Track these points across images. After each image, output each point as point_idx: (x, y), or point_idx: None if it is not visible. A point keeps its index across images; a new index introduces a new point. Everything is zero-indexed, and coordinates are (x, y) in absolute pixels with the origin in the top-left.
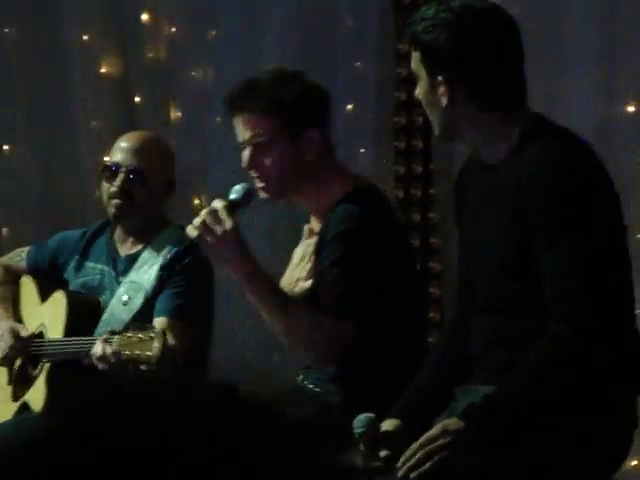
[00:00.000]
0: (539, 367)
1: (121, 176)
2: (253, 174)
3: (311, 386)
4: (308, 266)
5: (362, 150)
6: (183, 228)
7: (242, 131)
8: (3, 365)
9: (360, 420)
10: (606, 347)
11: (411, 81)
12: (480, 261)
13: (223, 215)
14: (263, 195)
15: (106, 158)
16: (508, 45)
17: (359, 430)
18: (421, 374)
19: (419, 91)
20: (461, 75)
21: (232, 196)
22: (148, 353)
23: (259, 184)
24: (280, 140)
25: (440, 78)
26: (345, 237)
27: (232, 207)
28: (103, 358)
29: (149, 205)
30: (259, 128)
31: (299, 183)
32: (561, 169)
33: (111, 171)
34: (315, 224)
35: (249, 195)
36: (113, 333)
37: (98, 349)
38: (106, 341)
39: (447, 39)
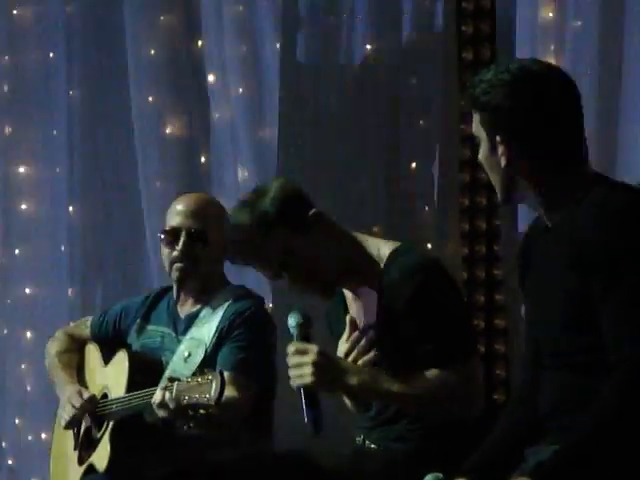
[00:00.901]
0: (601, 417)
1: (183, 239)
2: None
3: (373, 446)
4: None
5: (427, 208)
6: (242, 288)
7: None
8: (70, 427)
9: None
10: None
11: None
12: (544, 319)
13: (302, 346)
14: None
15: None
16: (566, 106)
17: None
18: (492, 434)
19: (480, 153)
20: (519, 135)
21: (293, 323)
22: (207, 396)
23: (313, 293)
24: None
25: (499, 138)
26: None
27: (303, 334)
28: (163, 404)
29: (210, 265)
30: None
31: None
32: (617, 216)
33: (172, 235)
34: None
35: (305, 315)
36: (172, 380)
37: (158, 396)
38: (165, 388)
39: (504, 99)
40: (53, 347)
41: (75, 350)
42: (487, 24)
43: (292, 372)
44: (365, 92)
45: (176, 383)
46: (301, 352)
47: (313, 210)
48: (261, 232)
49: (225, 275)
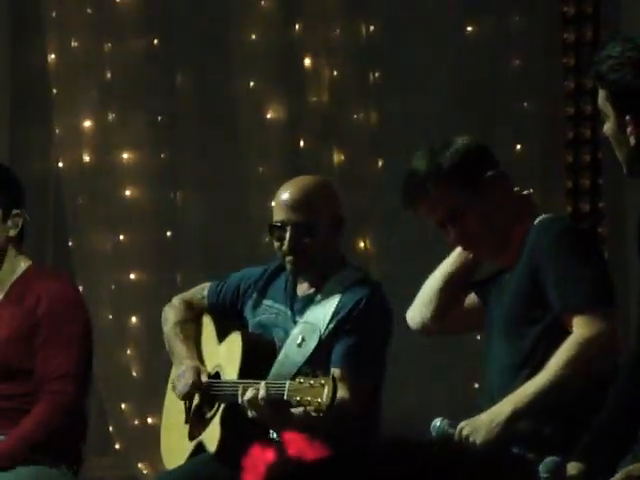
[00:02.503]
0: None
1: (290, 234)
2: (464, 248)
3: None
4: None
5: (531, 190)
6: (359, 269)
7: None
8: (183, 400)
9: (546, 464)
10: None
11: (578, 118)
12: None
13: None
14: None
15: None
16: None
17: (545, 475)
18: (605, 412)
19: (607, 129)
20: None
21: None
22: (319, 400)
23: (474, 254)
24: (472, 202)
25: (628, 117)
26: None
27: None
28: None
29: (322, 251)
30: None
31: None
32: None
33: (279, 230)
34: None
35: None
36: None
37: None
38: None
39: (635, 77)
40: (172, 315)
41: (193, 319)
42: (589, 4)
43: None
44: (465, 73)
45: (288, 383)
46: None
47: (491, 172)
48: (432, 183)
49: (344, 256)
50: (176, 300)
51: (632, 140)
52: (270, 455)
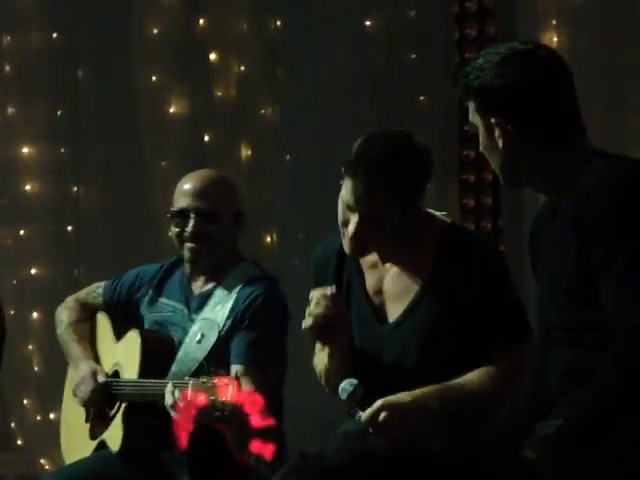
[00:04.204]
0: (602, 389)
1: (193, 220)
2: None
3: None
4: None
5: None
6: (256, 264)
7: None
8: (84, 406)
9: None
10: None
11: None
12: (552, 295)
13: (370, 412)
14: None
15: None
16: (556, 80)
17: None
18: (505, 411)
19: (480, 141)
20: (512, 114)
21: (351, 389)
22: (223, 399)
23: (354, 256)
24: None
25: (493, 121)
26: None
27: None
28: (198, 409)
29: (223, 242)
30: None
31: None
32: (615, 186)
33: (181, 217)
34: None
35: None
36: (204, 382)
37: (192, 400)
38: (198, 390)
39: (494, 79)
40: (65, 316)
41: (87, 319)
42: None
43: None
44: (365, 67)
45: (191, 382)
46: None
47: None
48: (381, 177)
49: (239, 251)
50: (69, 300)
51: (500, 143)
52: (201, 399)
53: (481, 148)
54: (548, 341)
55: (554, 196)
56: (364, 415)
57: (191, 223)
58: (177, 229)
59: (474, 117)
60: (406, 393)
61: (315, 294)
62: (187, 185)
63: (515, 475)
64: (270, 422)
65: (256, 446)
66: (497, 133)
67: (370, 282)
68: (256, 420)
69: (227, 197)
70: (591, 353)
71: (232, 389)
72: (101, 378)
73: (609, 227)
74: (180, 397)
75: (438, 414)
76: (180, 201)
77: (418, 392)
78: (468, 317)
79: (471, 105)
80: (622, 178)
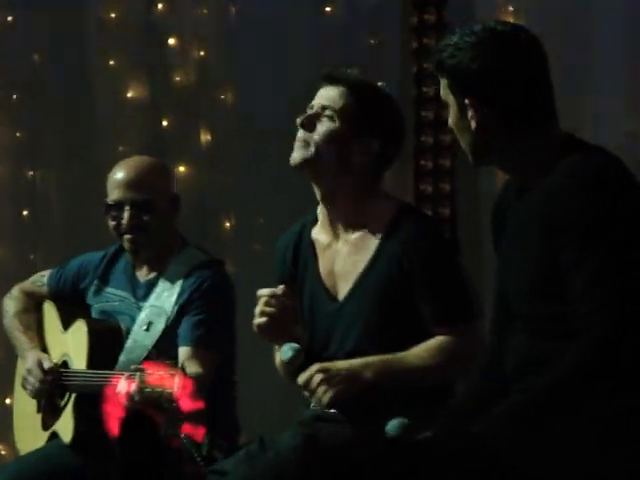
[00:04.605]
0: (556, 376)
1: (128, 212)
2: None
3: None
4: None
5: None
6: (200, 249)
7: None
8: (35, 398)
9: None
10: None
11: (438, 100)
12: (515, 282)
13: (307, 374)
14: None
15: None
16: (533, 64)
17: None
18: (461, 394)
19: (450, 118)
20: (488, 96)
21: (291, 352)
22: (169, 390)
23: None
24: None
25: (467, 101)
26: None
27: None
28: (128, 396)
29: (162, 229)
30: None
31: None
32: (590, 183)
33: (116, 209)
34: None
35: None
36: (136, 370)
37: (122, 387)
38: (129, 378)
39: (471, 60)
40: (11, 306)
41: (33, 309)
42: None
43: (314, 398)
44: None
45: (139, 374)
46: (309, 378)
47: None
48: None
49: (182, 236)
50: (15, 290)
51: (472, 124)
52: (131, 385)
53: (450, 124)
54: (505, 326)
55: (521, 178)
56: (300, 378)
57: (126, 215)
58: (113, 222)
59: (446, 94)
60: (346, 361)
61: (263, 292)
62: (119, 175)
63: None
64: (200, 405)
65: (187, 429)
66: (470, 114)
67: (323, 263)
68: (186, 403)
69: (161, 184)
70: (552, 344)
71: (178, 380)
72: (47, 364)
73: (582, 225)
74: (111, 385)
75: (370, 385)
76: (114, 193)
77: (357, 361)
78: (408, 296)
79: (443, 82)
80: (596, 175)
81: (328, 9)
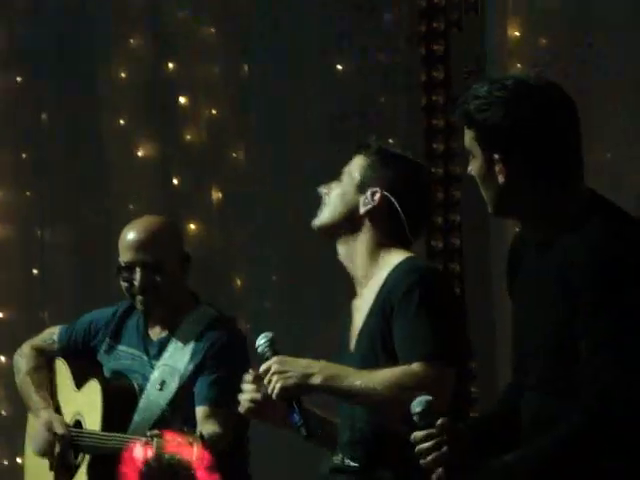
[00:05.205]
0: (546, 450)
1: (139, 274)
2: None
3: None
4: None
5: None
6: (212, 306)
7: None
8: (44, 456)
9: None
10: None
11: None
12: (531, 340)
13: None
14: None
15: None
16: (565, 121)
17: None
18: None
19: (473, 168)
20: (518, 153)
21: (264, 341)
22: (187, 458)
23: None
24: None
25: (496, 156)
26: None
27: (274, 349)
28: (145, 462)
29: (173, 288)
30: None
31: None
32: (608, 253)
33: (127, 271)
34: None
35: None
36: (153, 436)
37: (139, 453)
38: (147, 444)
39: (503, 117)
40: (23, 364)
41: (45, 366)
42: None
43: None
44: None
45: (156, 440)
46: (268, 366)
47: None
48: None
49: (194, 294)
50: (26, 347)
51: (500, 178)
52: (148, 451)
53: (474, 174)
54: (521, 376)
55: (540, 233)
56: (261, 366)
57: (138, 277)
58: (126, 283)
59: (472, 145)
60: (306, 360)
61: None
62: (130, 236)
63: None
64: (215, 478)
65: None
66: (498, 168)
67: (351, 317)
68: (203, 475)
69: (172, 244)
70: (562, 404)
71: (197, 449)
72: (60, 430)
73: (598, 293)
74: (128, 449)
75: (315, 389)
76: (125, 255)
77: (316, 363)
78: (389, 345)
79: (470, 133)
80: (614, 246)
81: (340, 67)
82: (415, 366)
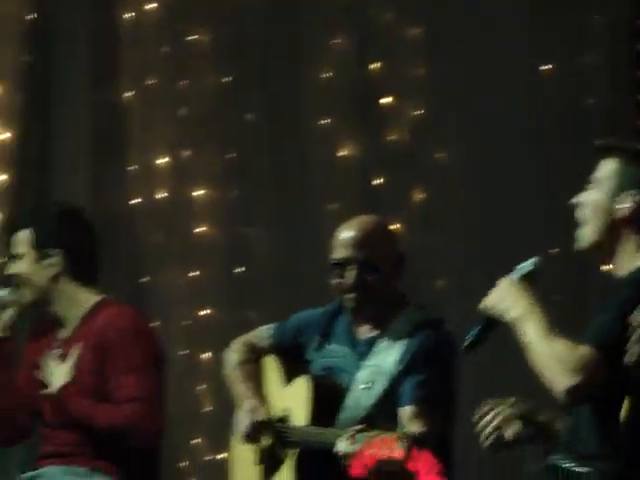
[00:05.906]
0: None
1: (353, 271)
2: None
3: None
4: None
5: None
6: (421, 308)
7: None
8: (245, 443)
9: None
10: None
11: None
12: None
13: None
14: None
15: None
16: None
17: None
18: None
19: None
20: None
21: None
22: (394, 455)
23: None
24: None
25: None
26: None
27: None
28: (348, 456)
29: (384, 289)
30: None
31: None
32: None
33: (340, 268)
34: None
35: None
36: (359, 431)
37: (342, 446)
38: (352, 437)
39: None
40: (233, 358)
41: (254, 361)
42: None
43: None
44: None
45: (361, 435)
46: None
47: None
48: None
49: (404, 295)
50: (237, 342)
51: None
52: (381, 453)
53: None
54: None
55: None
56: None
57: (351, 274)
58: (337, 280)
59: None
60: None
61: None
62: (345, 234)
63: None
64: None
65: None
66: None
67: None
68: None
69: (386, 245)
70: None
71: (403, 446)
72: (261, 416)
73: None
74: (361, 446)
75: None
76: (339, 251)
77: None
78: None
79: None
80: None
81: (542, 68)
82: (583, 348)
